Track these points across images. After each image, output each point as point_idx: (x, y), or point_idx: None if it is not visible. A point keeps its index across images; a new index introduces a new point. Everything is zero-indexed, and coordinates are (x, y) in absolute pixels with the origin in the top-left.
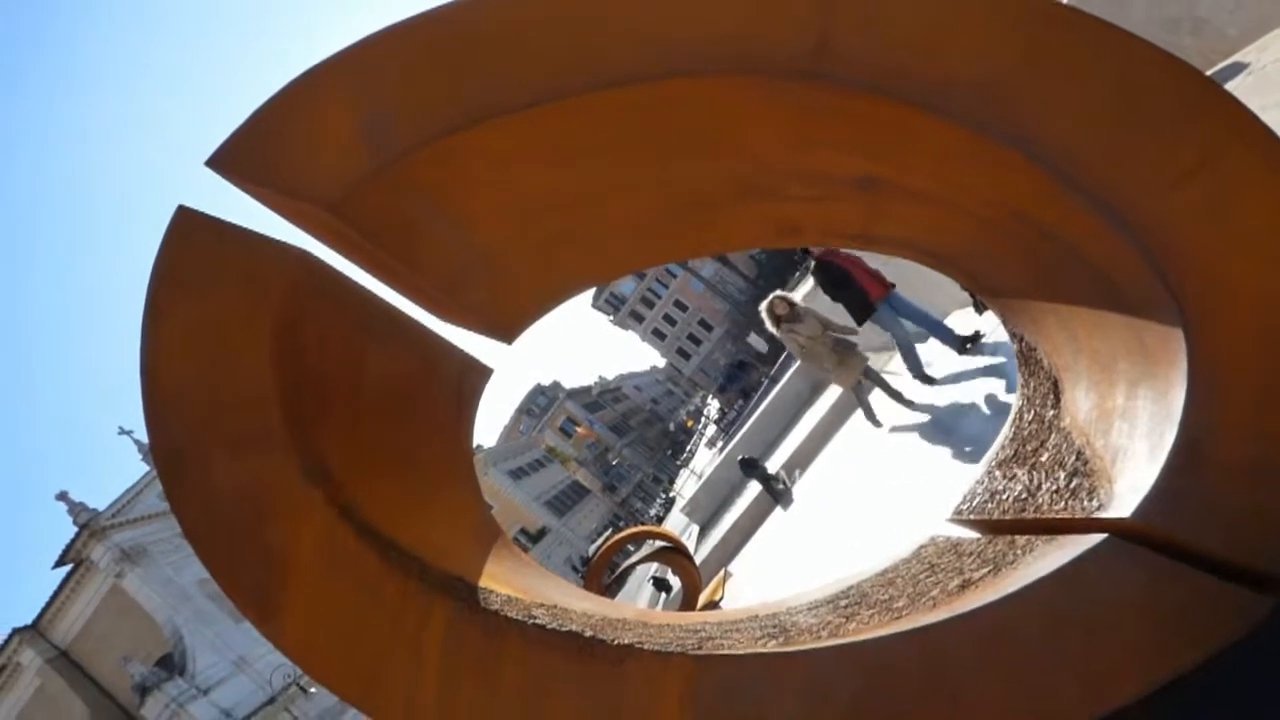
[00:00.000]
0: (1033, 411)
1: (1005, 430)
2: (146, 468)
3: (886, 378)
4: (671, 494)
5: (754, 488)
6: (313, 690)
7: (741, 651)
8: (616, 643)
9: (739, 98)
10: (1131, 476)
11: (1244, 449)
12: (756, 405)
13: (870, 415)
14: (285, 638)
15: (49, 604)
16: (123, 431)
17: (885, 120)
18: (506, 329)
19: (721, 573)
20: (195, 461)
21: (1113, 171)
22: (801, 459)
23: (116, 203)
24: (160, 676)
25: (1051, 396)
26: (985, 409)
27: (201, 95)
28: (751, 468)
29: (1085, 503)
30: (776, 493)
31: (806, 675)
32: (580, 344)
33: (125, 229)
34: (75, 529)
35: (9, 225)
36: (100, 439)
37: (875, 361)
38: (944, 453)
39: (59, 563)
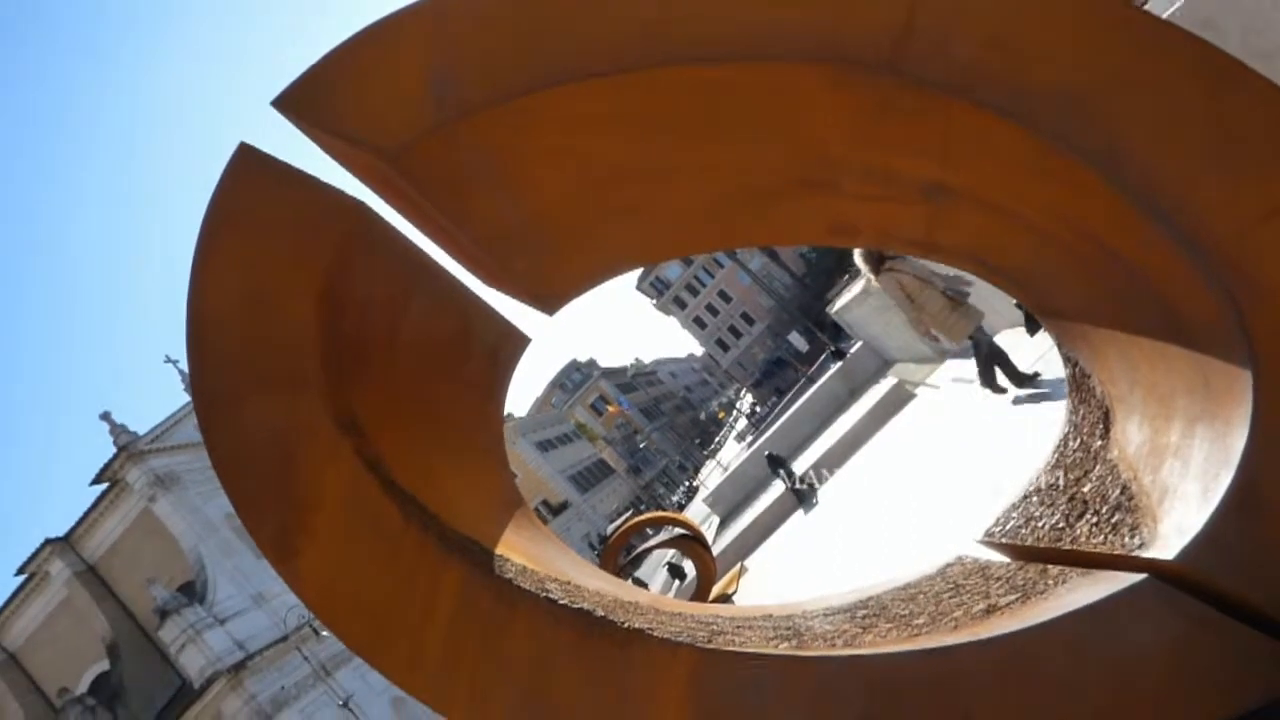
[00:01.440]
0: (1079, 440)
1: (1048, 456)
2: (188, 398)
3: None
4: (695, 483)
5: (778, 485)
6: (324, 634)
7: (752, 650)
8: (627, 626)
9: (815, 86)
10: (1179, 517)
11: None
12: (791, 403)
13: (989, 379)
14: (300, 580)
15: (82, 519)
16: (169, 360)
17: (962, 124)
18: (550, 300)
19: (738, 566)
20: (230, 396)
21: (1197, 198)
22: (831, 461)
23: (186, 132)
24: (180, 602)
25: (1101, 426)
26: (1033, 433)
27: (278, 33)
28: (778, 465)
29: (1126, 539)
30: (800, 494)
31: (817, 682)
32: (620, 324)
33: (191, 159)
34: (114, 450)
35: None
36: (148, 365)
37: (915, 374)
38: (980, 470)
39: (96, 480)
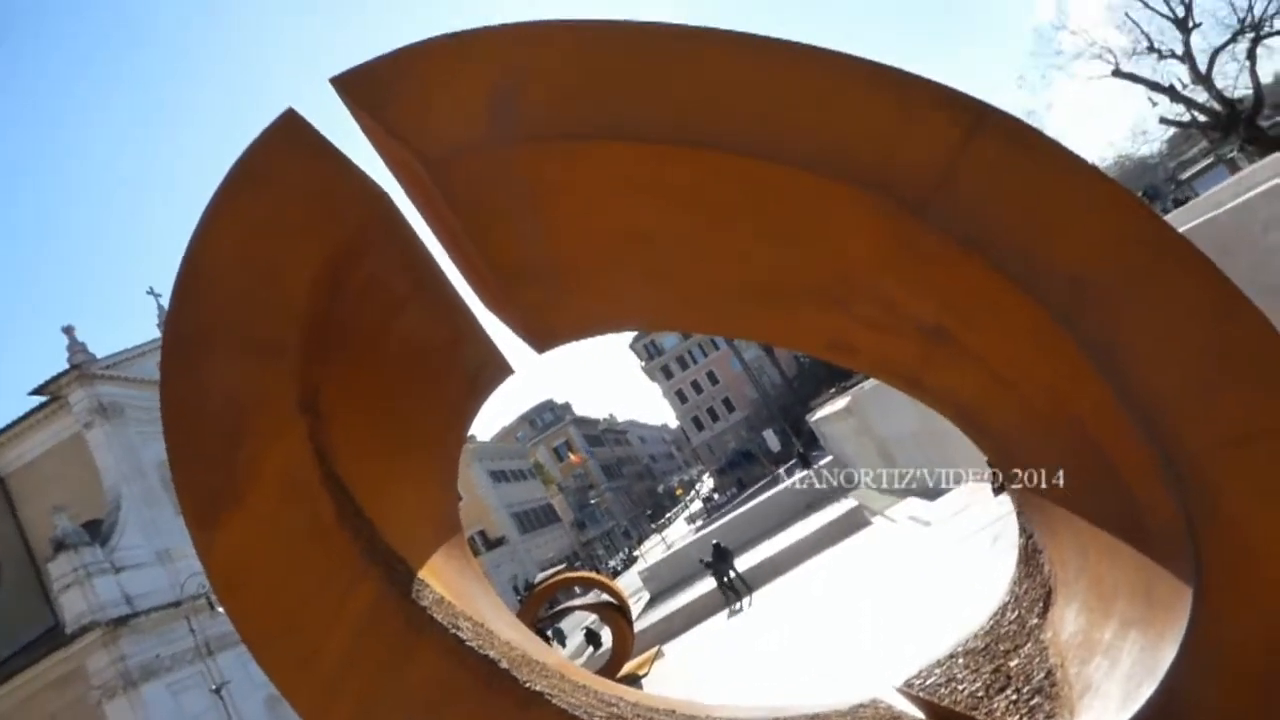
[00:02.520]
0: (1017, 613)
1: (984, 620)
2: (158, 334)
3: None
4: (636, 553)
5: (733, 563)
6: (220, 611)
7: None
8: (529, 686)
9: (850, 207)
10: (1095, 718)
11: None
12: (750, 499)
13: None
14: (213, 550)
15: (7, 428)
16: (151, 293)
17: (976, 279)
18: (544, 339)
19: (655, 649)
20: (202, 344)
21: (1179, 409)
22: (775, 568)
23: (225, 87)
24: (81, 538)
25: (1041, 605)
26: (979, 587)
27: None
28: (722, 557)
29: None
30: (728, 594)
31: None
32: (604, 374)
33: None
34: (67, 365)
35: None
36: (129, 291)
37: (875, 501)
38: (917, 612)
39: (37, 391)
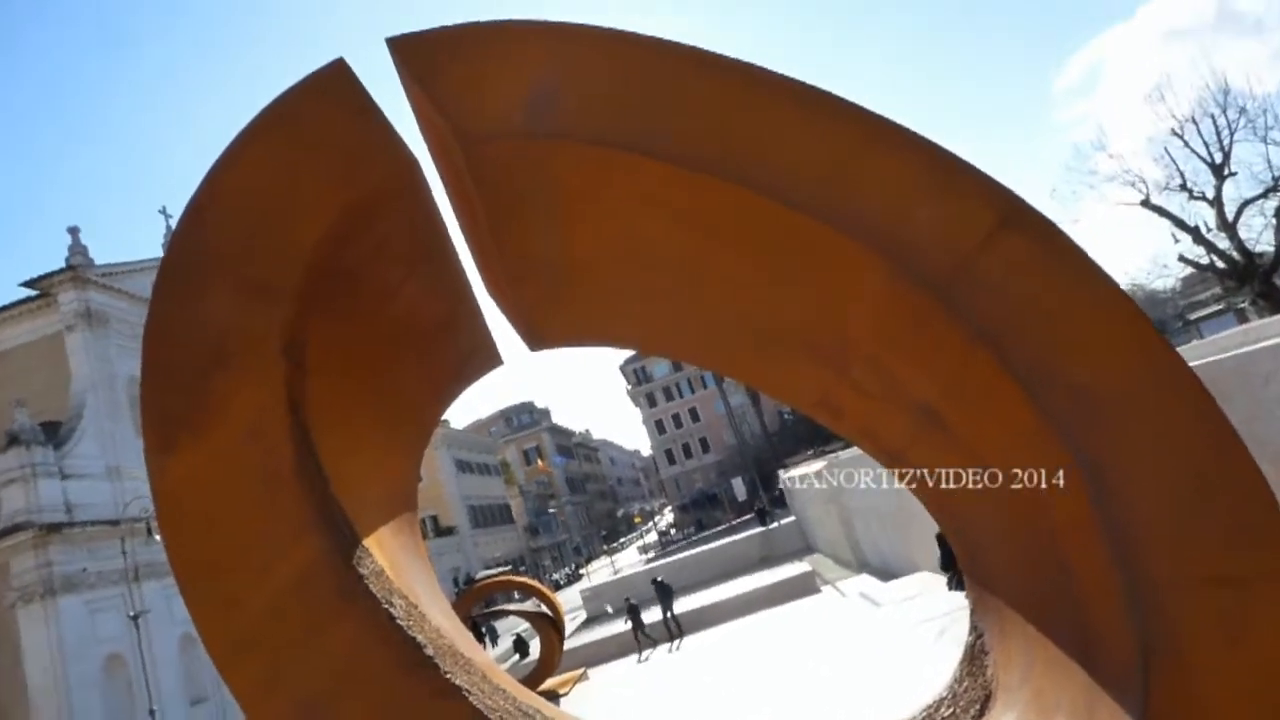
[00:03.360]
0: (952, 710)
1: (916, 712)
2: (160, 255)
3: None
4: (582, 571)
5: (655, 613)
6: (156, 538)
7: None
8: (448, 677)
9: (868, 270)
10: None
11: None
12: (705, 541)
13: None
14: (165, 475)
15: None
16: (163, 212)
17: (981, 371)
18: (539, 337)
19: (581, 671)
20: (201, 272)
21: (1153, 538)
22: (715, 616)
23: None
24: (36, 437)
25: (978, 707)
26: (916, 674)
27: None
28: (665, 593)
29: None
30: (639, 640)
31: None
32: (589, 389)
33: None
34: (64, 264)
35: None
36: (142, 206)
37: (829, 570)
38: (847, 690)
39: (29, 283)
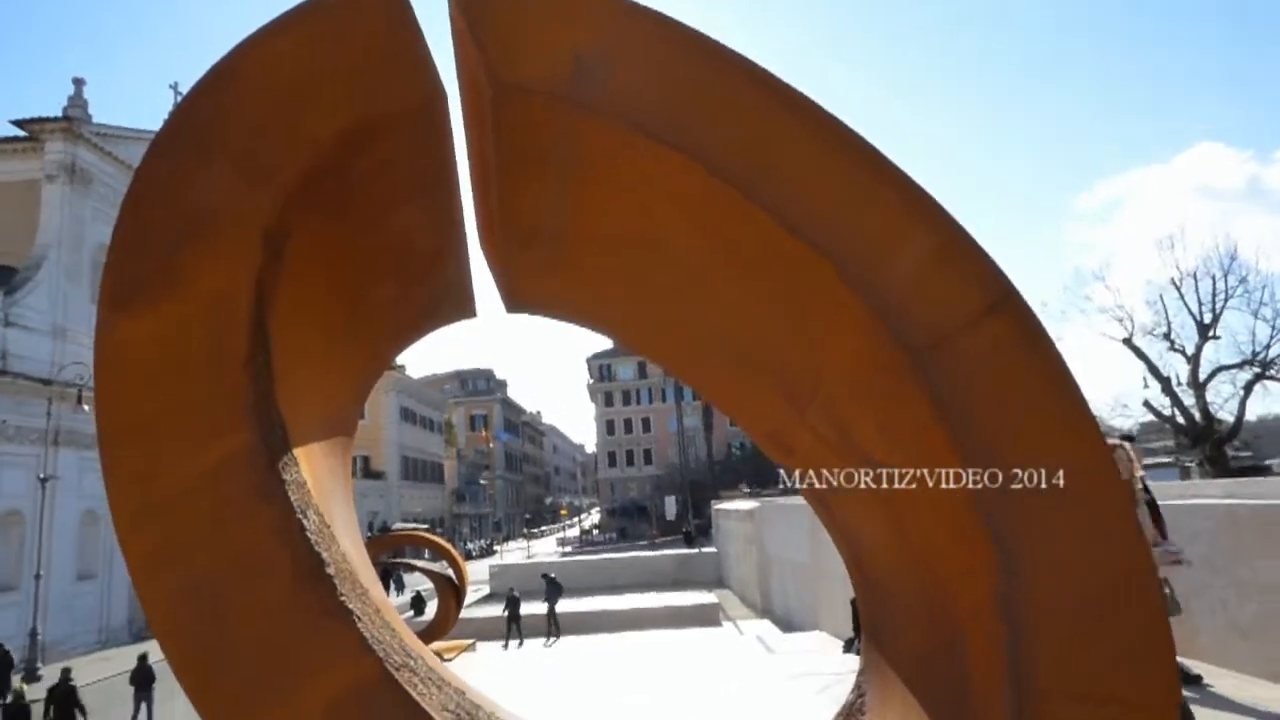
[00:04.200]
0: None
1: None
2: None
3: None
4: (497, 547)
5: (558, 601)
6: (85, 409)
7: (423, 706)
8: (341, 599)
9: (856, 322)
10: None
11: None
12: (622, 549)
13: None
14: (111, 336)
15: None
16: (174, 88)
17: (931, 438)
18: (518, 299)
19: (470, 642)
20: (202, 143)
21: (1049, 641)
22: (608, 623)
23: None
24: None
25: None
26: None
27: None
28: (553, 589)
29: None
30: (511, 630)
31: None
32: (550, 371)
33: None
34: (60, 113)
35: None
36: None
37: (734, 609)
38: (719, 718)
39: (20, 123)
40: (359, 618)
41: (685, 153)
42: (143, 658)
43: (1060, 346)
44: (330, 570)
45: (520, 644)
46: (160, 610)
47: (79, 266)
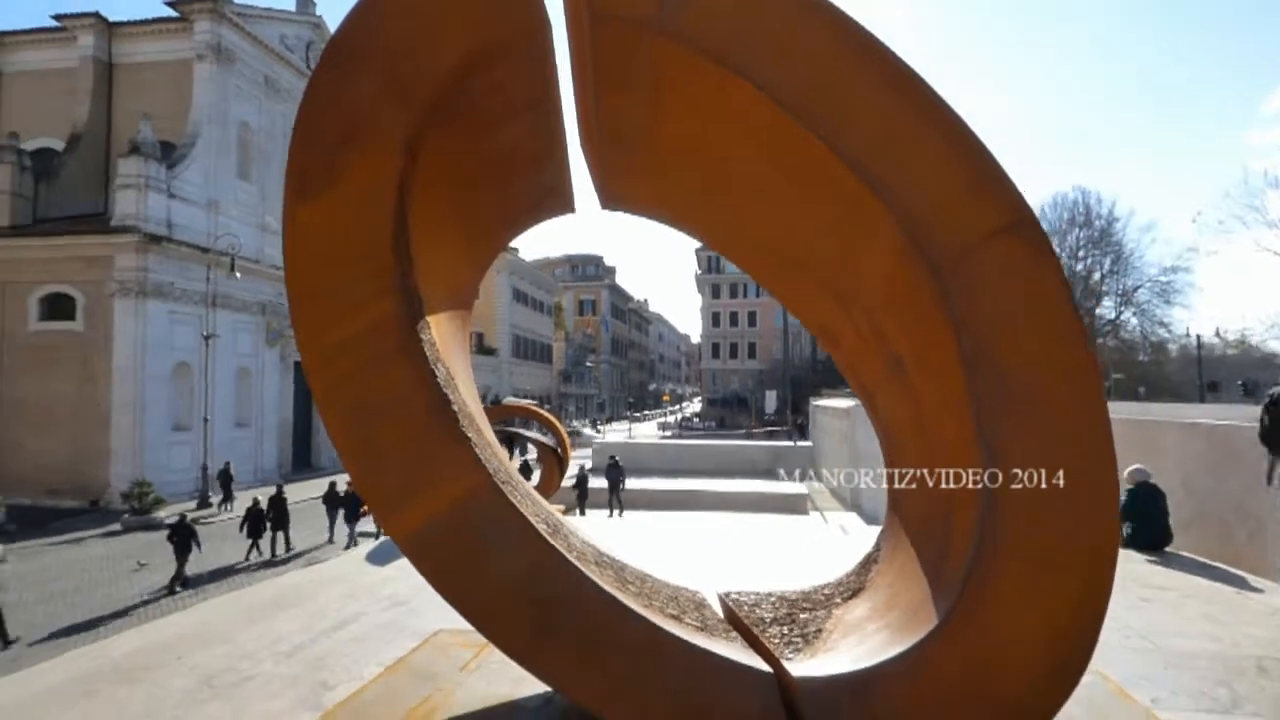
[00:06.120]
0: (831, 592)
1: (807, 588)
2: (291, 8)
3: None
4: (601, 428)
5: (656, 481)
6: (236, 275)
7: (520, 510)
8: (462, 428)
9: (888, 238)
10: (820, 662)
11: None
12: (720, 437)
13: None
14: (297, 216)
15: (133, 22)
16: None
17: (941, 344)
18: (612, 198)
19: (562, 507)
20: (357, 63)
21: (1017, 510)
22: (701, 503)
23: None
24: (155, 152)
25: (849, 594)
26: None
27: None
28: (615, 471)
29: (786, 652)
30: (582, 497)
31: (530, 562)
32: (657, 263)
33: None
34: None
35: None
36: None
37: (821, 499)
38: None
39: (171, 4)
40: (474, 444)
41: (750, 81)
42: (332, 484)
43: (1212, 262)
44: (455, 408)
45: (583, 514)
46: (337, 429)
47: (226, 142)
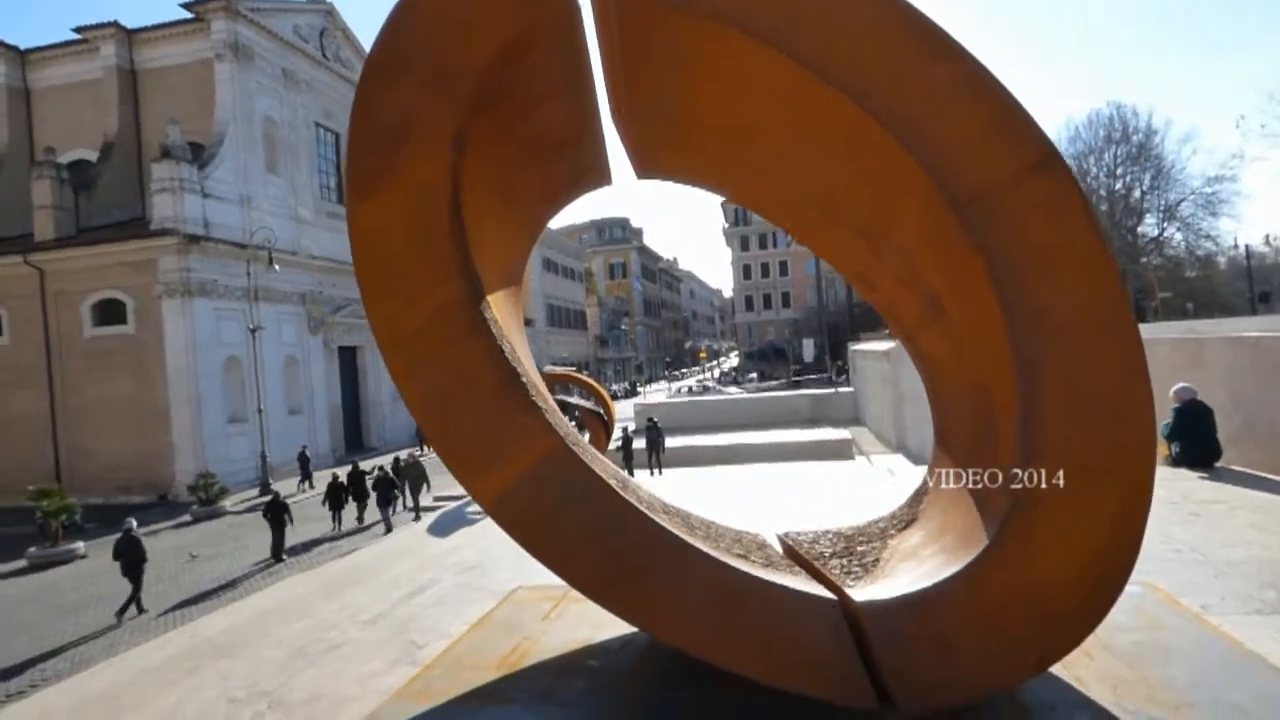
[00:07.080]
0: (885, 525)
1: (862, 523)
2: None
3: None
4: (640, 389)
5: (696, 438)
6: (276, 268)
7: (592, 469)
8: (532, 398)
9: (914, 179)
10: (880, 587)
11: (937, 640)
12: (759, 390)
13: None
14: (359, 214)
15: (149, 28)
16: None
17: (974, 281)
18: (646, 167)
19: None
20: (398, 70)
21: (1053, 434)
22: (748, 455)
23: None
24: (185, 154)
25: (902, 525)
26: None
27: None
28: (654, 432)
29: (848, 581)
30: (628, 459)
31: (610, 513)
32: (685, 219)
33: None
34: None
35: None
36: None
37: (866, 443)
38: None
39: (186, 5)
40: (545, 411)
41: (775, 46)
42: (395, 460)
43: (1257, 168)
44: (524, 380)
45: (631, 473)
46: (416, 410)
47: (253, 138)
